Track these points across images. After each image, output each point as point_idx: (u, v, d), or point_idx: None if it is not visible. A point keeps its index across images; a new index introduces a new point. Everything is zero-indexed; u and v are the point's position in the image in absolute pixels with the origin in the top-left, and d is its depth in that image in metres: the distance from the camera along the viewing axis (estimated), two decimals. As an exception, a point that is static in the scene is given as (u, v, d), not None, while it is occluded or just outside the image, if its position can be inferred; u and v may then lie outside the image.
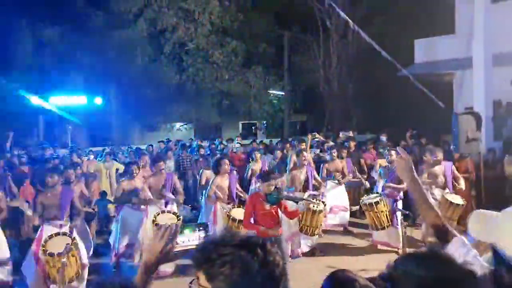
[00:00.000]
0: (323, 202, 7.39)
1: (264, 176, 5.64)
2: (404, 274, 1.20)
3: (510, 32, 12.40)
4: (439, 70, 15.02)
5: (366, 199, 7.34)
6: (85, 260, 5.84)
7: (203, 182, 7.80)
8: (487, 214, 1.42)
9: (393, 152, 7.62)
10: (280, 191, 5.66)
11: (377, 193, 7.51)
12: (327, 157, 9.05)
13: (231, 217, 6.46)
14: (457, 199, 6.88)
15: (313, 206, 6.84)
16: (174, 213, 6.20)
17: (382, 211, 7.10)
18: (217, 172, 6.94)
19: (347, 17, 11.87)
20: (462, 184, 7.24)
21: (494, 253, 1.29)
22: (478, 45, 11.03)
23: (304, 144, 9.68)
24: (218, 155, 9.02)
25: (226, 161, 7.07)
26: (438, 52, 14.83)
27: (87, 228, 6.68)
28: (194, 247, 1.52)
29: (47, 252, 5.16)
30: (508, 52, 12.24)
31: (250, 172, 9.21)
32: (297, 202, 6.25)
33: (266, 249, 1.23)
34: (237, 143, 12.93)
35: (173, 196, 6.73)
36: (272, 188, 5.39)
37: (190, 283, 1.28)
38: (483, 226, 1.37)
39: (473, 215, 1.44)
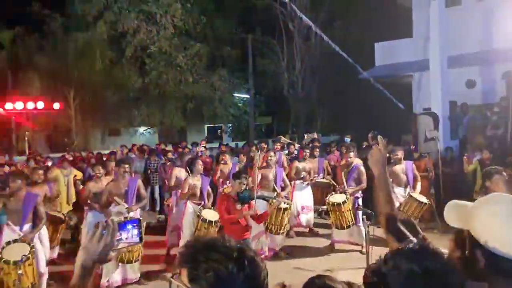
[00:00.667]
0: (288, 201, 7.45)
1: (236, 174, 5.75)
2: (393, 268, 1.22)
3: (464, 35, 12.96)
4: (399, 72, 15.48)
5: (332, 198, 7.38)
6: (43, 269, 5.64)
7: (172, 183, 7.72)
8: (461, 203, 1.52)
9: (351, 154, 7.76)
10: (251, 190, 5.71)
11: (342, 192, 7.60)
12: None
13: (202, 218, 6.37)
14: (423, 198, 7.06)
15: (281, 204, 6.94)
16: (138, 219, 6.04)
17: (348, 210, 7.20)
18: (190, 171, 6.94)
19: (309, 21, 12.02)
20: (418, 187, 7.39)
21: (470, 239, 1.36)
22: (434, 48, 11.43)
23: (278, 144, 9.86)
24: (191, 156, 8.97)
25: (200, 161, 7.14)
26: (397, 55, 15.28)
27: (46, 234, 6.43)
28: (134, 244, 1.49)
29: (3, 259, 4.99)
30: (462, 54, 12.78)
31: (218, 174, 9.15)
32: (267, 201, 6.28)
33: (254, 263, 1.21)
34: (202, 146, 12.81)
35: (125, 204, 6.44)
36: (243, 186, 5.52)
37: (172, 276, 1.26)
38: (459, 214, 1.45)
39: (448, 205, 1.52)
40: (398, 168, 7.39)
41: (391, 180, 7.25)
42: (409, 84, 15.41)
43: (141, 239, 1.50)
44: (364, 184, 7.62)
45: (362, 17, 19.27)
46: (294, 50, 21.30)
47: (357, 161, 7.89)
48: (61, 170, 8.88)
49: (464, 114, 11.94)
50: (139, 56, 20.56)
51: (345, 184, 7.58)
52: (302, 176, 8.58)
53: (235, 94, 23.94)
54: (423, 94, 13.77)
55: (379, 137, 2.06)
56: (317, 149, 9.41)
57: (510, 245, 1.28)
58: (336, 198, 7.38)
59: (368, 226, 4.67)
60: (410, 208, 6.88)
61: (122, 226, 1.44)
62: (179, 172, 7.69)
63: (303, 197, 8.61)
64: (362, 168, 7.65)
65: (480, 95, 13.14)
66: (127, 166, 6.46)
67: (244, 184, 5.52)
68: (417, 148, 9.86)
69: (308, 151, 8.96)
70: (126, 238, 1.45)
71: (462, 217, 1.43)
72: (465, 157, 9.18)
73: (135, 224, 1.48)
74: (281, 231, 7.19)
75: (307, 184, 8.63)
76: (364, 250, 6.49)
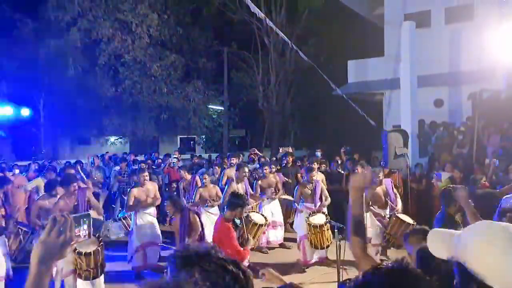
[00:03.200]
0: (263, 215, 7.23)
1: (242, 200, 4.93)
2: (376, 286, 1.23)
3: (433, 56, 13.44)
4: (370, 90, 15.86)
5: (312, 219, 7.06)
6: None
7: (130, 203, 7.22)
8: (444, 232, 1.45)
9: (314, 173, 7.78)
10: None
11: (323, 213, 7.32)
12: (260, 173, 9.08)
13: None
14: (408, 219, 6.85)
15: (257, 220, 6.70)
16: (96, 236, 5.69)
17: (327, 230, 6.98)
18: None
19: (285, 37, 12.19)
20: (399, 203, 7.34)
21: (461, 269, 1.30)
22: (405, 68, 11.77)
23: (234, 159, 9.69)
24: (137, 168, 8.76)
25: (145, 174, 7.19)
26: (369, 73, 15.68)
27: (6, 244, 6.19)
28: (83, 239, 1.47)
29: None
30: (431, 74, 13.23)
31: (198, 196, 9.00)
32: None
33: (248, 278, 1.23)
34: (174, 157, 12.70)
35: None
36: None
37: None
38: (446, 245, 1.39)
39: (431, 235, 1.46)
40: (380, 189, 7.40)
41: (371, 201, 7.35)
42: (380, 102, 15.79)
43: (89, 234, 1.47)
44: (328, 200, 7.62)
45: (336, 35, 19.73)
46: (269, 64, 21.53)
47: (319, 177, 8.03)
48: (42, 179, 8.55)
49: (433, 133, 12.30)
50: (112, 64, 20.30)
51: (317, 202, 7.59)
52: (266, 194, 8.47)
53: (210, 106, 23.93)
54: (393, 111, 14.13)
55: (370, 168, 2.07)
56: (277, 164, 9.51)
57: (508, 283, 1.21)
58: (316, 219, 7.06)
59: (339, 240, 4.70)
60: (398, 229, 6.74)
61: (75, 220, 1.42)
62: (138, 192, 7.15)
63: (271, 213, 8.37)
64: (322, 184, 7.76)
65: (447, 114, 13.60)
66: (75, 184, 6.04)
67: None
68: (386, 164, 10.08)
69: (267, 168, 8.75)
70: (84, 236, 1.44)
71: (449, 248, 1.37)
72: (435, 175, 9.45)
73: (85, 219, 1.47)
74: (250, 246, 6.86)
75: (274, 198, 8.52)
76: (334, 263, 6.51)
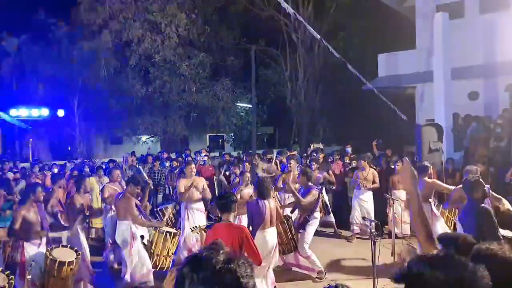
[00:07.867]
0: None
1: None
2: (420, 275, 1.21)
3: (467, 47, 13.03)
4: (402, 84, 15.53)
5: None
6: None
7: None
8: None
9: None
10: None
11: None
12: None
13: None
14: None
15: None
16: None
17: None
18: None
19: (314, 32, 12.09)
20: None
21: None
22: (438, 60, 11.49)
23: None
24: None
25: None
26: (400, 67, 15.35)
27: None
28: None
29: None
30: (465, 66, 12.84)
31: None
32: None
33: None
34: (205, 155, 12.84)
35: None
36: None
37: None
38: None
39: None
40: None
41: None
42: (412, 96, 15.45)
43: None
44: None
45: (365, 28, 19.42)
46: (297, 60, 21.41)
47: (370, 174, 8.25)
48: (95, 178, 8.75)
49: (468, 126, 11.96)
50: (143, 65, 20.68)
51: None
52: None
53: (238, 104, 24.02)
54: (426, 105, 13.81)
55: (404, 159, 2.08)
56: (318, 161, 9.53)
57: None
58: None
59: (375, 237, 4.66)
60: None
61: None
62: (186, 182, 7.29)
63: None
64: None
65: (483, 107, 13.17)
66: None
67: None
68: (421, 159, 9.88)
69: (315, 164, 8.93)
70: None
71: None
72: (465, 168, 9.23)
73: None
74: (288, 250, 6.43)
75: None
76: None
